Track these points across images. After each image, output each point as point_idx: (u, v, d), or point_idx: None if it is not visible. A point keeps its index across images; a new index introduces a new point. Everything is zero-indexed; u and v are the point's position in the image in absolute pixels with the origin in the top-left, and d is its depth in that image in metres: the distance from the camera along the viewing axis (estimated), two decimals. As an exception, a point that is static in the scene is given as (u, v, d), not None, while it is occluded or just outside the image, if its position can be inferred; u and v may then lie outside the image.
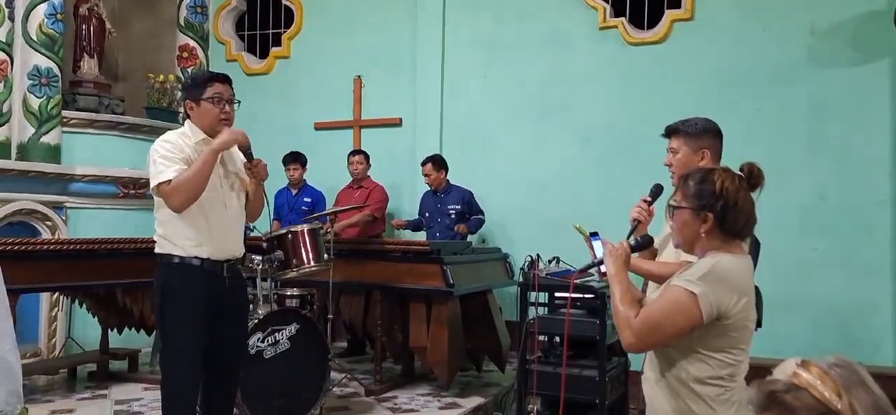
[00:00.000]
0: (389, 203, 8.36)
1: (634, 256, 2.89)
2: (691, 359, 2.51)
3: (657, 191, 3.61)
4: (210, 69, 9.56)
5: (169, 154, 3.89)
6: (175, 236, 3.97)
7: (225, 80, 4.10)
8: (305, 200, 8.04)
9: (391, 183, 8.31)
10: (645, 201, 3.56)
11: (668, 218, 2.74)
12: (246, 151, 4.11)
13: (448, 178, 7.94)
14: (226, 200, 4.09)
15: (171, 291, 3.98)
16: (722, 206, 2.50)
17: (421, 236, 8.03)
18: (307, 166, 8.20)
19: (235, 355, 4.32)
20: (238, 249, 4.21)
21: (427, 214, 7.99)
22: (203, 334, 4.00)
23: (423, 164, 7.89)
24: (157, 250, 4.05)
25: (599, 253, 2.91)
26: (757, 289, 4.72)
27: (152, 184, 3.92)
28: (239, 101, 4.18)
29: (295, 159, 8.06)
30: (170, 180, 3.84)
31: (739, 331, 2.50)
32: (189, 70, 9.40)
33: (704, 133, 3.56)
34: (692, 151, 3.52)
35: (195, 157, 3.94)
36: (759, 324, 4.83)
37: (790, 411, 1.39)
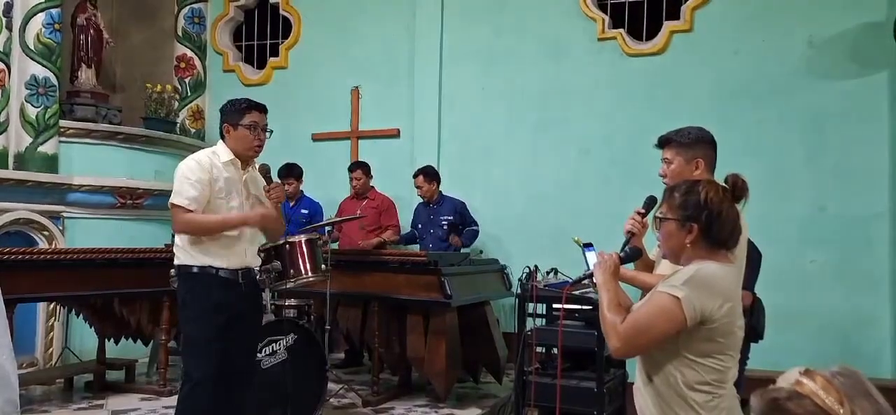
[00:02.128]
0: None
1: (629, 267, 2.91)
2: (679, 364, 2.54)
3: (650, 203, 3.59)
4: (205, 77, 9.61)
5: (191, 175, 4.16)
6: (192, 248, 4.24)
7: (262, 109, 4.38)
8: (303, 211, 7.99)
9: (389, 194, 8.27)
10: (638, 213, 3.56)
11: (654, 229, 2.77)
12: (265, 175, 4.39)
13: (441, 189, 7.94)
14: None
15: (191, 297, 4.25)
16: (707, 217, 2.56)
17: (414, 249, 8.03)
18: (303, 178, 8.14)
19: (250, 359, 4.54)
20: (252, 260, 4.47)
21: (420, 226, 7.98)
22: (222, 336, 4.22)
23: (415, 176, 7.88)
24: (176, 262, 4.32)
25: (592, 264, 2.93)
26: (759, 301, 4.75)
27: (170, 200, 4.20)
28: (271, 131, 4.44)
29: (289, 173, 7.96)
30: (185, 209, 4.12)
31: (726, 337, 2.53)
32: (187, 80, 9.42)
33: (698, 143, 3.55)
34: (686, 161, 3.51)
35: (220, 177, 4.21)
36: (760, 336, 4.86)
37: None
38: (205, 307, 4.19)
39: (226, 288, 4.23)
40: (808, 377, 1.41)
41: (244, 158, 4.33)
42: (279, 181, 4.48)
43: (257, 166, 4.42)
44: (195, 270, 4.21)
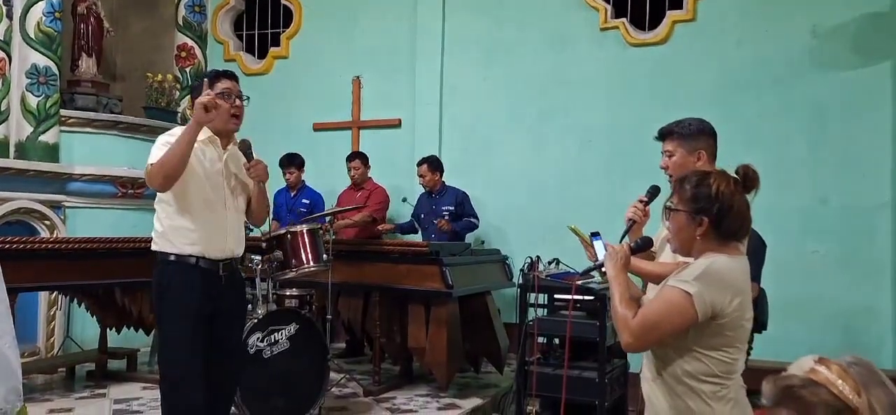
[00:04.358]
0: (390, 205, 8.30)
1: (633, 257, 2.89)
2: (688, 357, 2.54)
3: (654, 192, 3.60)
4: (212, 68, 9.56)
5: (165, 142, 3.88)
6: (172, 234, 3.98)
7: (231, 76, 4.12)
8: (303, 201, 7.99)
9: (390, 184, 8.26)
10: (641, 201, 3.55)
11: (664, 220, 2.75)
12: (246, 151, 4.08)
13: (444, 179, 7.93)
14: (227, 201, 4.08)
15: (168, 287, 3.99)
16: (718, 209, 2.53)
17: (415, 238, 8.02)
18: (304, 168, 8.14)
19: (233, 355, 4.30)
20: (236, 249, 4.18)
21: (422, 216, 7.97)
22: (201, 329, 3.99)
23: (419, 165, 7.88)
24: (153, 248, 4.06)
25: (601, 254, 2.91)
26: (763, 292, 4.74)
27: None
28: (248, 97, 4.18)
29: (290, 162, 7.99)
30: (153, 163, 3.85)
31: (735, 330, 2.53)
32: (187, 70, 9.39)
33: (699, 134, 3.54)
34: (688, 153, 3.51)
35: (201, 156, 3.95)
36: (764, 326, 4.85)
37: (806, 407, 1.37)
38: (182, 299, 3.95)
39: (205, 279, 3.99)
40: (822, 365, 1.40)
41: (224, 132, 4.05)
42: (262, 160, 4.13)
43: (238, 142, 4.11)
44: (172, 258, 3.97)
